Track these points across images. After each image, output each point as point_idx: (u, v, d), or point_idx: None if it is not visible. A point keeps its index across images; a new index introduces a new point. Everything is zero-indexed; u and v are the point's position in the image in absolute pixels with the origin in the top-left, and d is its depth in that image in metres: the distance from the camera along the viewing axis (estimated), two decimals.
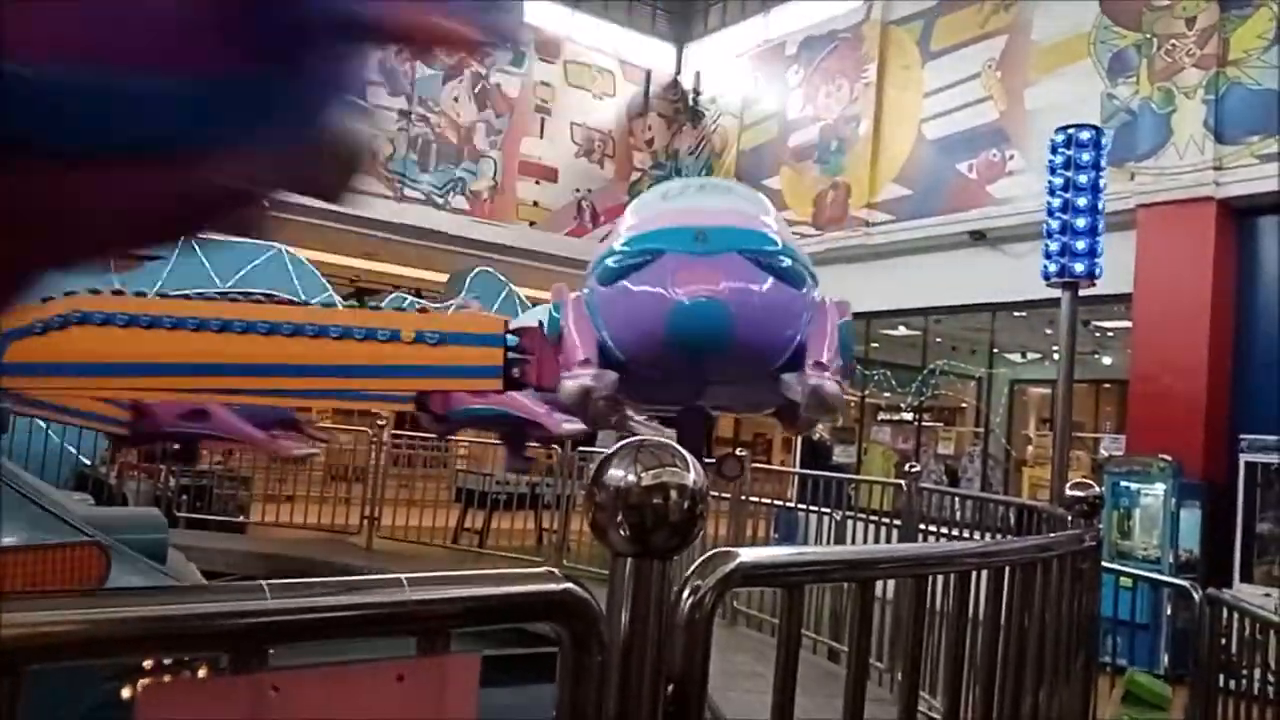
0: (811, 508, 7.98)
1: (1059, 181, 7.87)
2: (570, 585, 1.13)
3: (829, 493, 7.77)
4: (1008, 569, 2.16)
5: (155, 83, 1.07)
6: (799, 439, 13.95)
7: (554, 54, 16.66)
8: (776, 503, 9.44)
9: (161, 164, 1.15)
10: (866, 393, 13.86)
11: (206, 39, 1.10)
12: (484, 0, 1.48)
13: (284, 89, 1.21)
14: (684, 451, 1.22)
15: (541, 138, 16.53)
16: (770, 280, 3.78)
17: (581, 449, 9.30)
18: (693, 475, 1.19)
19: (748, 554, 1.36)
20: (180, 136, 1.13)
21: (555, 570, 1.17)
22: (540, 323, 4.67)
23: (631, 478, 1.17)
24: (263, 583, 0.95)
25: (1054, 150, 8.10)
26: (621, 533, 1.16)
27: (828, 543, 7.26)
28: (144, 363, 4.64)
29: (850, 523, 7.47)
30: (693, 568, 1.32)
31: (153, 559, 5.05)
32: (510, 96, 16.17)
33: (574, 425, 6.43)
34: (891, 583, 3.11)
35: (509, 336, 4.76)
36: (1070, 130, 8.05)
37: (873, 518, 7.27)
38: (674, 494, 1.17)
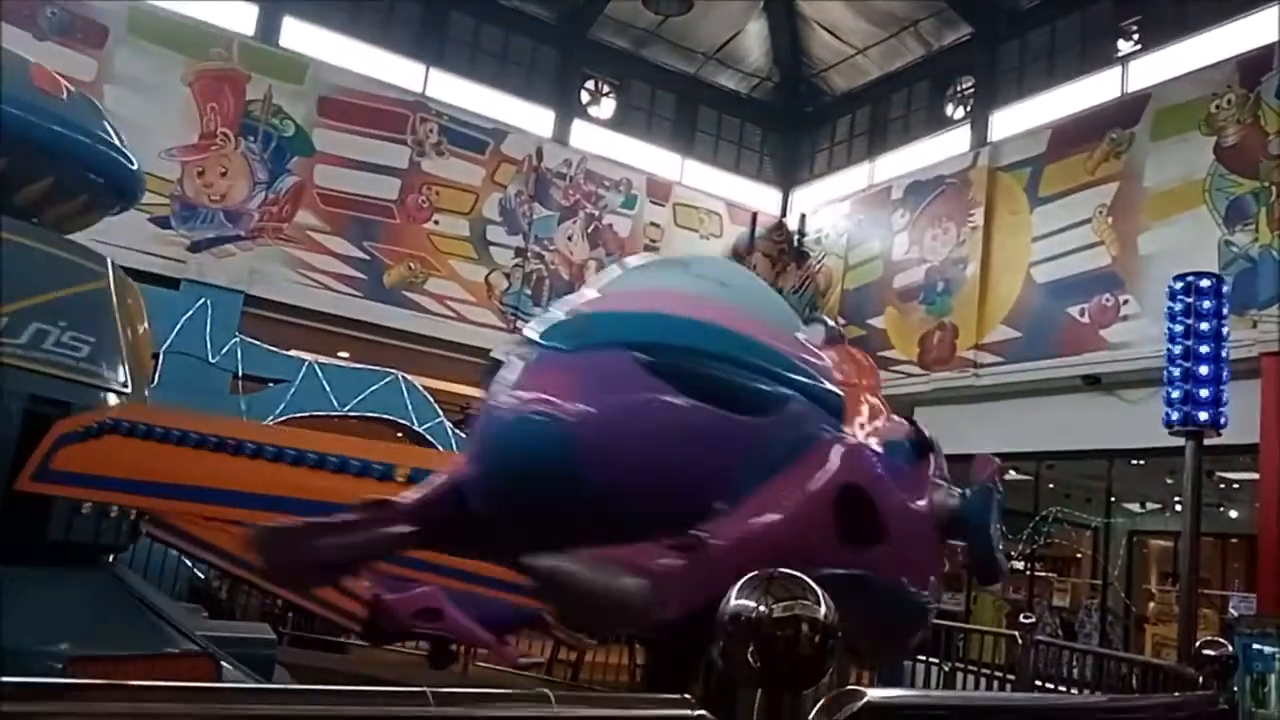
0: (919, 658, 7.68)
1: (1180, 329, 7.71)
2: (705, 713, 1.16)
3: (936, 642, 7.49)
4: None
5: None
6: None
7: (665, 197, 17.26)
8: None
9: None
10: None
11: None
12: None
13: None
14: (814, 584, 1.25)
15: None
16: (667, 393, 2.54)
17: None
18: (824, 609, 1.21)
19: (875, 693, 1.37)
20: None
21: (689, 696, 1.20)
22: None
23: (763, 609, 1.20)
24: (427, 690, 1.01)
25: (1173, 297, 7.96)
26: (752, 663, 1.19)
27: None
28: (176, 483, 4.36)
29: (959, 674, 7.16)
30: (819, 705, 1.32)
31: (260, 673, 5.16)
32: (621, 236, 16.73)
33: (529, 660, 5.89)
34: None
35: None
36: (1190, 277, 7.93)
37: (984, 670, 6.96)
38: (805, 627, 1.19)
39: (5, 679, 0.83)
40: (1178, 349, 7.72)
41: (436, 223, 15.03)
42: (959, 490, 2.95)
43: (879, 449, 2.88)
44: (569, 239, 16.24)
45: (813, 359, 2.94)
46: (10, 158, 4.79)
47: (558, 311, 2.87)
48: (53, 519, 4.61)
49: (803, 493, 2.57)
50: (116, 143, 5.42)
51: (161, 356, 11.82)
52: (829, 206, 17.68)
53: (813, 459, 2.65)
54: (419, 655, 10.42)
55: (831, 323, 4.13)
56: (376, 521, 2.91)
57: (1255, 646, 8.50)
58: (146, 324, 5.89)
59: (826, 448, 2.69)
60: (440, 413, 12.99)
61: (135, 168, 5.64)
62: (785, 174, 19.03)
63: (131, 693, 0.90)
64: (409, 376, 12.93)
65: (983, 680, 6.63)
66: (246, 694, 0.97)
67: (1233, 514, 12.52)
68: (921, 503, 2.86)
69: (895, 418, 3.28)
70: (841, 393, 2.92)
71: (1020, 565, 13.20)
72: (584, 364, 2.63)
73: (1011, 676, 6.26)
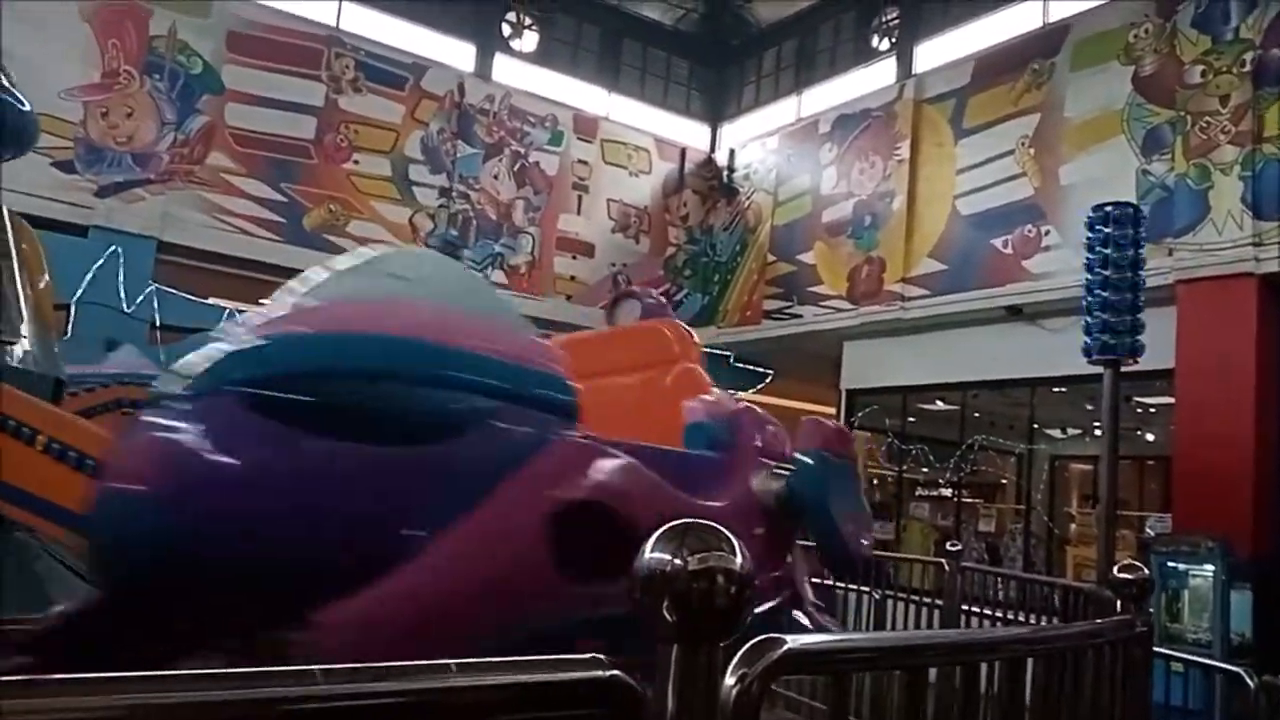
0: (850, 586, 7.84)
1: (1098, 258, 7.84)
2: (618, 672, 1.12)
3: (868, 571, 7.63)
4: (1060, 656, 2.11)
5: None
6: None
7: (592, 133, 17.00)
8: (815, 580, 9.27)
9: None
10: (904, 468, 13.70)
11: None
12: None
13: None
14: (730, 535, 1.21)
15: (578, 214, 16.78)
16: (282, 441, 2.12)
17: None
18: (739, 559, 1.18)
19: (795, 641, 1.34)
20: None
21: (601, 656, 1.15)
22: None
23: (678, 561, 1.16)
24: (315, 668, 0.94)
25: (1091, 227, 8.08)
26: (668, 618, 1.15)
27: (868, 623, 7.12)
28: None
29: (890, 602, 7.33)
30: (739, 654, 1.29)
31: None
32: (549, 174, 16.48)
33: None
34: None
35: None
36: (1108, 207, 8.04)
37: (914, 597, 7.12)
38: (721, 578, 1.15)
39: None
40: (1096, 278, 7.86)
41: (356, 163, 14.61)
42: (787, 468, 2.71)
43: (645, 445, 2.48)
44: (495, 178, 15.93)
45: (529, 355, 2.46)
46: None
47: (223, 344, 2.34)
48: None
49: (483, 530, 2.09)
50: (5, 83, 5.09)
51: (73, 308, 11.37)
52: (757, 141, 17.59)
53: (512, 484, 2.14)
54: None
55: (651, 297, 3.92)
56: None
57: (1170, 564, 8.85)
58: (47, 274, 5.61)
59: (536, 465, 2.24)
60: None
61: (28, 110, 5.32)
62: (713, 108, 18.87)
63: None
64: None
65: (912, 607, 6.80)
66: (112, 684, 0.90)
67: (1149, 438, 12.96)
68: (724, 497, 2.51)
69: (716, 392, 3.10)
70: (570, 389, 2.42)
71: (948, 493, 13.55)
72: (194, 418, 2.15)
73: (939, 602, 6.42)
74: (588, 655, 1.14)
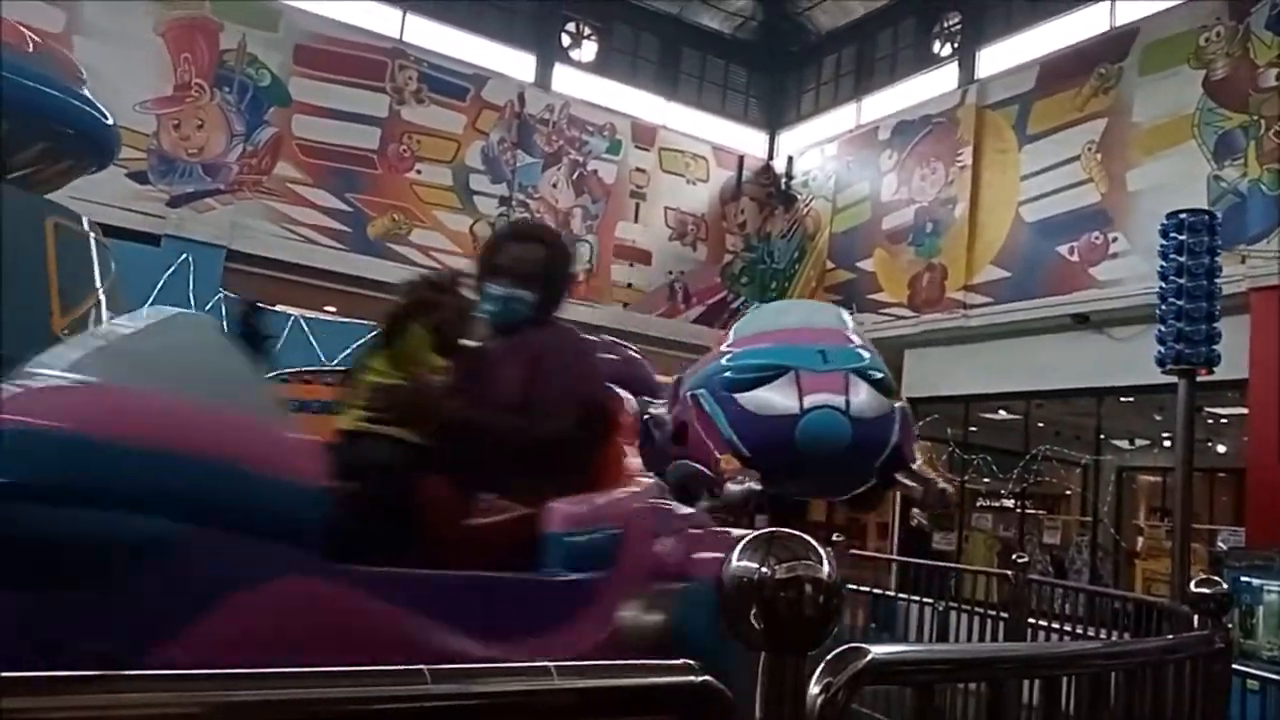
0: (912, 597, 7.75)
1: (1172, 266, 7.67)
2: (709, 678, 1.13)
3: (930, 582, 7.55)
4: (1140, 671, 2.08)
5: None
6: (896, 525, 13.63)
7: (649, 141, 17.06)
8: (875, 591, 9.20)
9: None
10: (966, 478, 13.51)
11: None
12: None
13: None
14: (816, 544, 1.22)
15: (636, 222, 16.83)
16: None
17: None
18: (827, 568, 1.19)
19: (880, 650, 1.34)
20: None
21: (692, 662, 1.17)
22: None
23: (765, 570, 1.17)
24: (424, 668, 0.98)
25: (1165, 234, 7.90)
26: (756, 626, 1.16)
27: (931, 635, 7.03)
28: None
29: (954, 614, 7.23)
30: (823, 663, 1.30)
31: None
32: (606, 183, 16.57)
33: None
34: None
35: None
36: (1183, 214, 7.87)
37: (977, 609, 7.02)
38: (809, 588, 1.16)
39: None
40: (1170, 287, 7.68)
41: (419, 172, 14.83)
42: (670, 594, 2.08)
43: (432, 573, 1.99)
44: (553, 186, 16.07)
45: (264, 458, 1.85)
46: (10, 123, 4.66)
47: None
48: None
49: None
50: (91, 98, 5.27)
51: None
52: (816, 148, 17.51)
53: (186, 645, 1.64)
54: None
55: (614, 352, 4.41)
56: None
57: (1244, 579, 8.61)
58: (114, 281, 5.78)
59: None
60: None
61: (111, 123, 5.50)
62: (771, 116, 18.82)
63: (107, 684, 0.85)
64: None
65: (976, 619, 6.70)
66: (232, 679, 0.94)
67: (1220, 449, 12.62)
68: (563, 634, 2.03)
69: (643, 482, 2.52)
70: (320, 503, 1.88)
71: (1010, 503, 13.33)
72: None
73: (1005, 615, 6.32)
74: (680, 661, 1.16)
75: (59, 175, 5.46)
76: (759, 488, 4.08)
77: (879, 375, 4.34)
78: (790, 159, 18.00)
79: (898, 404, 4.47)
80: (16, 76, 4.73)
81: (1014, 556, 7.01)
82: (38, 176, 5.17)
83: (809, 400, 4.14)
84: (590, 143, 16.46)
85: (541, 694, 1.06)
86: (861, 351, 4.47)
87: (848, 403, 4.12)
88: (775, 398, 4.21)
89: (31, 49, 5.05)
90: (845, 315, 5.24)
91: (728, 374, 4.41)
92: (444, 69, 15.17)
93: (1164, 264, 7.84)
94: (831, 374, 4.20)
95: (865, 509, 5.39)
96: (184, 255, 12.39)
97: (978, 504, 13.82)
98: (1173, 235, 7.81)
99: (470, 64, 15.51)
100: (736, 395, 4.31)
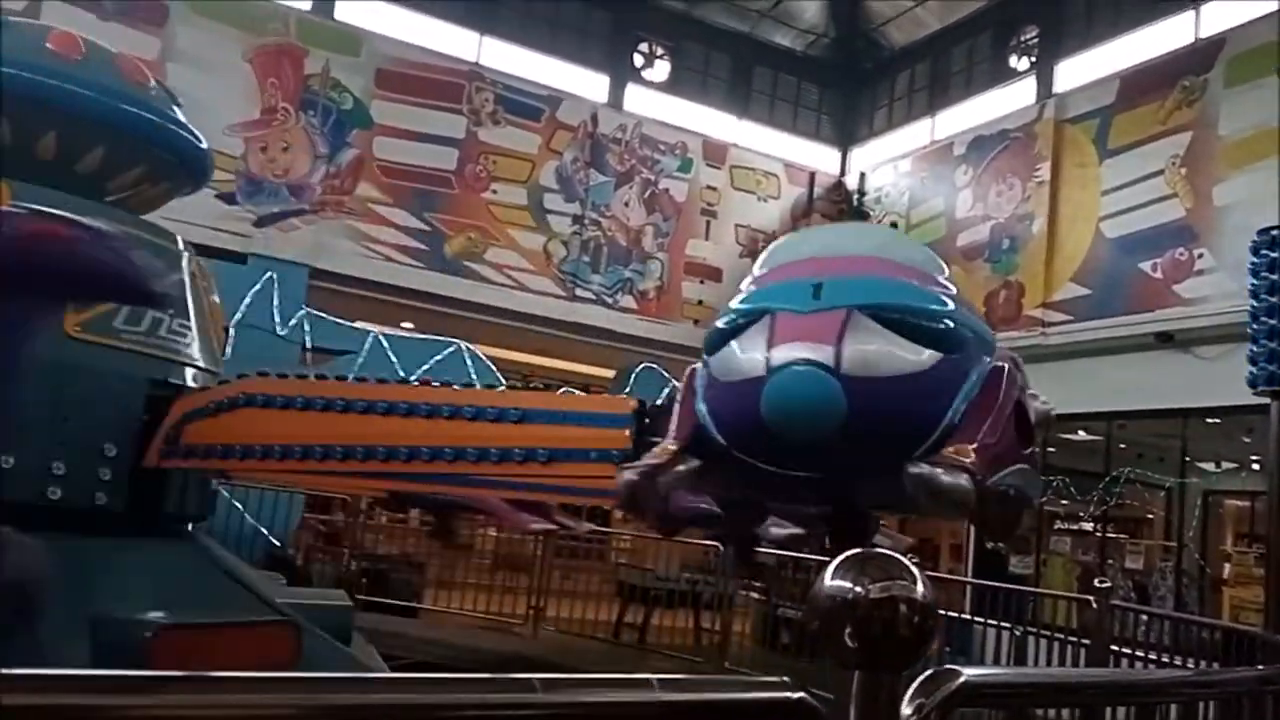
0: (989, 621, 7.62)
1: (1264, 284, 7.43)
2: (804, 695, 1.16)
3: (1007, 606, 7.41)
4: (1235, 701, 2.04)
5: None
6: (972, 546, 13.38)
7: (721, 159, 17.11)
8: (949, 614, 9.04)
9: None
10: (1044, 500, 13.21)
11: None
12: None
13: None
14: (910, 564, 1.24)
15: (707, 239, 16.88)
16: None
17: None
18: (920, 588, 1.20)
19: (972, 672, 1.35)
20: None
21: (788, 679, 1.20)
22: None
23: (860, 590, 1.19)
24: (534, 677, 1.02)
25: (1256, 251, 7.66)
26: (850, 644, 1.19)
27: (1009, 660, 6.90)
28: (309, 444, 4.44)
29: (1031, 639, 7.08)
30: (916, 684, 1.31)
31: (339, 639, 5.27)
32: (678, 200, 16.65)
33: (542, 525, 5.96)
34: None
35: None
36: (1274, 231, 7.62)
37: (1056, 635, 6.87)
38: (904, 607, 1.18)
39: (98, 671, 0.84)
40: (1262, 305, 7.44)
41: (495, 192, 15.09)
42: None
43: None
44: (625, 205, 16.19)
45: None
46: (107, 146, 4.92)
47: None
48: (167, 493, 4.79)
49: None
50: (187, 123, 5.51)
51: (232, 330, 12.07)
52: (889, 164, 17.37)
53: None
54: (482, 618, 10.65)
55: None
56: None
57: None
58: (216, 298, 6.01)
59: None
60: (503, 381, 13.10)
61: (205, 147, 5.73)
62: (843, 132, 18.72)
63: (245, 685, 0.92)
64: (471, 345, 13.05)
65: (1055, 644, 6.55)
66: (356, 684, 1.00)
67: None
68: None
69: None
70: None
71: (1090, 526, 13.00)
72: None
73: (1085, 641, 6.17)
74: (776, 678, 1.19)
75: (157, 197, 5.72)
76: (637, 479, 3.02)
77: (919, 319, 2.83)
78: (863, 175, 17.89)
79: (973, 362, 2.93)
80: (123, 104, 4.99)
81: (1096, 581, 6.84)
82: (136, 199, 5.43)
83: (777, 355, 2.80)
84: (662, 161, 16.56)
85: (643, 705, 1.10)
86: (890, 281, 2.94)
87: (838, 355, 2.72)
88: (738, 355, 2.92)
89: (151, 82, 5.31)
90: (903, 240, 3.86)
91: (716, 324, 3.16)
92: (519, 90, 15.42)
93: (1255, 281, 7.61)
94: (821, 315, 2.80)
95: (1000, 533, 3.47)
96: (269, 273, 12.76)
97: (1055, 526, 13.51)
98: (1264, 252, 7.58)
99: (545, 85, 15.75)
100: (711, 357, 3.09)
